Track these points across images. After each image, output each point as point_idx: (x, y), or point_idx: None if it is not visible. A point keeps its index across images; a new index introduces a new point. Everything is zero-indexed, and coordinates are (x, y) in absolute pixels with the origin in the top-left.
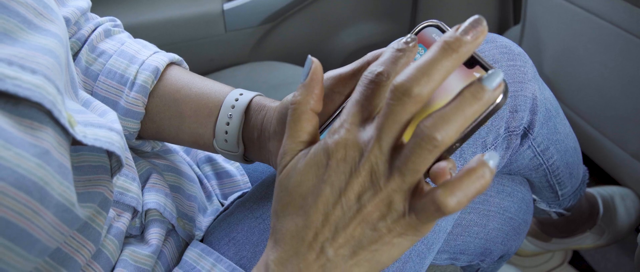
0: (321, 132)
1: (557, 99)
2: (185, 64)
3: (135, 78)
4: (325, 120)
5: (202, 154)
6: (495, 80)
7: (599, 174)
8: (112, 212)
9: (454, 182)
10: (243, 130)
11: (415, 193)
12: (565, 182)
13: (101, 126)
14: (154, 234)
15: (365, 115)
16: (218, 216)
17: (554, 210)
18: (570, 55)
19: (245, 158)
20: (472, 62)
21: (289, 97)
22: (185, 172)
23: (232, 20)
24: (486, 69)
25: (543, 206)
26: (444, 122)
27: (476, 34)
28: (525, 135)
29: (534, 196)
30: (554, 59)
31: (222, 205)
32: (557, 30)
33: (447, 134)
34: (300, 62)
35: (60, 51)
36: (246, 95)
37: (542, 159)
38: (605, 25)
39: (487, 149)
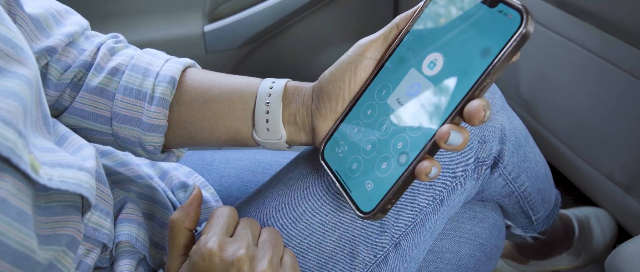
0: (341, 121)
1: (534, 120)
2: (197, 65)
3: (153, 92)
4: (353, 99)
5: (176, 180)
6: None
7: (576, 194)
8: (82, 249)
9: None
10: (283, 117)
11: None
12: (538, 208)
13: (70, 166)
14: (125, 265)
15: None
16: None
17: (529, 235)
18: (546, 78)
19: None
20: (494, 2)
21: (326, 73)
22: (160, 200)
23: (212, 42)
24: (510, 6)
25: (518, 231)
26: None
27: None
28: (495, 164)
29: (509, 222)
30: (531, 81)
31: (196, 232)
32: (534, 53)
33: None
34: None
35: (25, 93)
36: (279, 81)
37: (514, 186)
38: (579, 51)
39: (457, 180)
